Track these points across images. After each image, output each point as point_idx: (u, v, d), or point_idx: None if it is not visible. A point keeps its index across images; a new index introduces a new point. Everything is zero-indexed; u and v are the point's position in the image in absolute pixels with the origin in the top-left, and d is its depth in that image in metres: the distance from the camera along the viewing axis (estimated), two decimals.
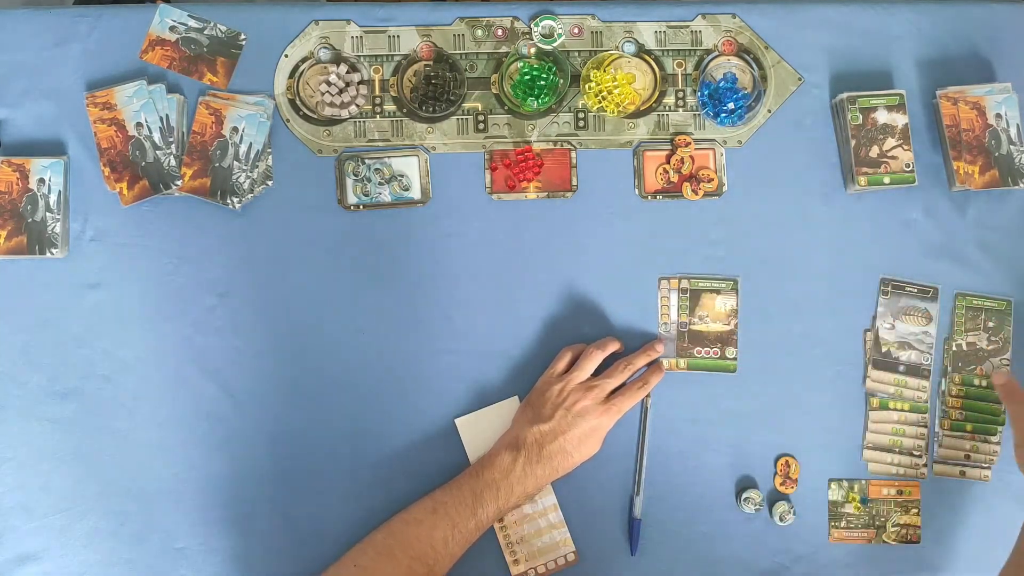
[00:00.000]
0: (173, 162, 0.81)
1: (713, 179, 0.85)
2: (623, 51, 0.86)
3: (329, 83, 0.83)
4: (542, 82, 0.84)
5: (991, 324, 0.85)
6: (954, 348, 0.85)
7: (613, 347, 0.83)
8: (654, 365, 0.83)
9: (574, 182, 0.86)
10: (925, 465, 0.84)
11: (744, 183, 0.86)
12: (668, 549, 0.83)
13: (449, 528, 0.75)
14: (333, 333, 0.83)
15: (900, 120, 0.83)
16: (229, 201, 0.82)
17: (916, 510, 0.84)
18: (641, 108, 0.86)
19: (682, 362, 0.84)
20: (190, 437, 0.82)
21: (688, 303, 0.84)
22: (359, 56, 0.85)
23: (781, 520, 0.83)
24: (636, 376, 0.82)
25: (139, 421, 0.82)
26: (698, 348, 0.84)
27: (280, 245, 0.84)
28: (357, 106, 0.84)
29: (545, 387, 0.81)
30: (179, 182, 0.81)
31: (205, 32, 0.84)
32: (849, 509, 0.84)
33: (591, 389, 0.79)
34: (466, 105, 0.85)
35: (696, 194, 0.85)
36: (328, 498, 0.82)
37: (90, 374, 0.82)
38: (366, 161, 0.84)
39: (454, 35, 0.86)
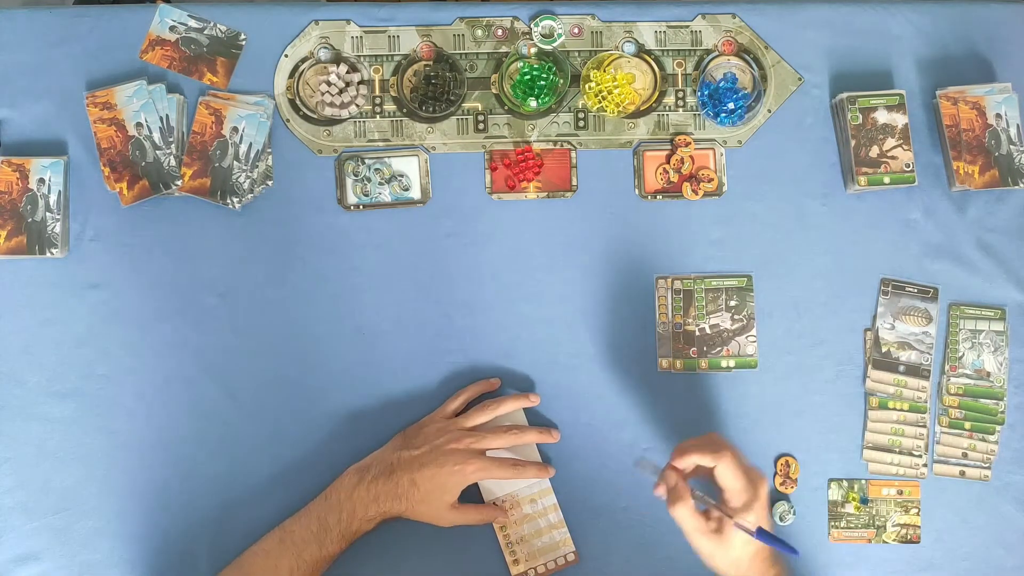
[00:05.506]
0: (173, 162, 0.81)
1: (713, 179, 0.85)
2: (623, 51, 0.86)
3: (329, 83, 0.83)
4: (542, 82, 0.84)
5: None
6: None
7: (516, 405, 0.80)
8: (544, 433, 0.80)
9: (574, 182, 0.85)
10: (925, 465, 0.84)
11: (744, 183, 0.86)
12: (667, 548, 0.83)
13: (294, 558, 0.74)
14: (333, 333, 0.83)
15: (900, 120, 0.83)
16: (229, 201, 0.82)
17: (916, 510, 0.84)
18: (641, 108, 0.86)
19: (679, 363, 0.84)
20: (190, 437, 0.82)
21: (684, 303, 0.85)
22: (359, 56, 0.85)
23: (781, 520, 0.83)
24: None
25: (139, 421, 0.82)
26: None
27: (280, 245, 0.84)
28: (357, 106, 0.84)
29: (428, 423, 0.80)
30: (179, 182, 0.81)
31: (205, 32, 0.84)
32: (849, 509, 0.84)
33: (468, 437, 0.77)
34: (466, 105, 0.85)
35: (696, 194, 0.85)
36: None
37: (90, 374, 0.82)
38: (366, 161, 0.84)
39: (454, 35, 0.86)
